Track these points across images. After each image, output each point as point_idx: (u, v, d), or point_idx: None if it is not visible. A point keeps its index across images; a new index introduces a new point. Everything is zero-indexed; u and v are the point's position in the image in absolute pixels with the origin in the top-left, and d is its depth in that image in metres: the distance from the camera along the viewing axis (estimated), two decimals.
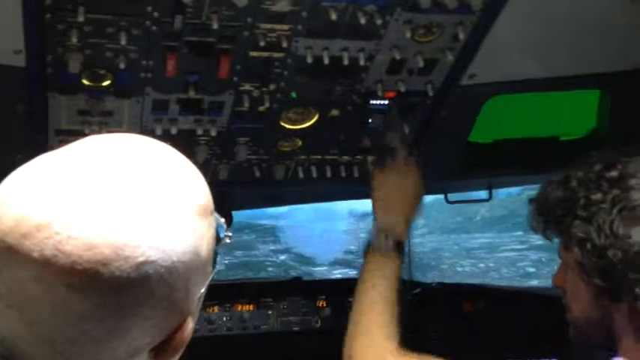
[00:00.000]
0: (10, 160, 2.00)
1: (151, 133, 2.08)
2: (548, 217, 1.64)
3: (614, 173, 1.53)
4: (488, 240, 12.30)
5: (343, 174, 2.37)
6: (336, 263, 11.10)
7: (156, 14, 1.74)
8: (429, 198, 2.38)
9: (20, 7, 1.65)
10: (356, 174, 2.37)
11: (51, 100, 1.95)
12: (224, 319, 2.64)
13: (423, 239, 11.04)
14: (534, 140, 2.53)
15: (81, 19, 1.69)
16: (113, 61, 1.84)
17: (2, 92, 1.89)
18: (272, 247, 12.11)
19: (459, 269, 11.00)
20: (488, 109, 2.26)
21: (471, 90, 2.14)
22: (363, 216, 9.39)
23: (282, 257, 11.83)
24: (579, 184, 1.56)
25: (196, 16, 1.76)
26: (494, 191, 2.70)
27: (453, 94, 2.16)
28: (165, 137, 2.10)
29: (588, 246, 1.51)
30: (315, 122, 2.20)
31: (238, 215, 3.04)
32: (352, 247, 10.93)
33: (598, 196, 1.52)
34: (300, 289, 2.76)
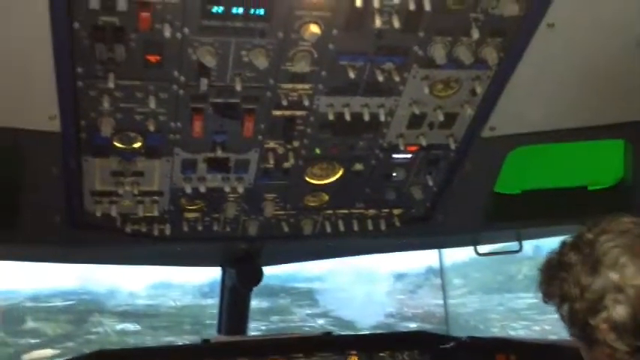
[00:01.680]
0: (49, 222, 2.17)
1: (180, 191, 2.22)
2: (541, 279, 1.75)
3: (589, 235, 1.63)
4: (536, 300, 11.98)
5: (370, 227, 2.46)
6: (378, 327, 10.98)
7: (182, 78, 1.87)
8: (466, 258, 2.43)
9: (54, 76, 1.78)
10: (383, 227, 2.45)
11: (85, 162, 2.08)
12: None
13: (464, 299, 10.88)
14: (562, 190, 2.59)
15: (111, 85, 1.82)
16: (143, 123, 1.97)
17: (39, 156, 2.01)
18: (309, 311, 12.04)
19: (512, 332, 10.76)
20: (513, 159, 2.33)
21: (492, 142, 2.21)
22: (399, 276, 9.32)
23: (320, 321, 11.72)
24: (570, 248, 1.67)
25: (221, 79, 1.89)
26: (538, 248, 2.73)
27: (475, 147, 2.24)
28: (195, 195, 2.23)
29: (565, 303, 1.64)
30: (340, 177, 2.29)
31: (272, 279, 3.12)
32: (392, 310, 10.82)
33: (574, 257, 1.63)
34: (331, 343, 2.81)
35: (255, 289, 3.07)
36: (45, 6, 1.63)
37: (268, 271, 2.94)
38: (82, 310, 10.08)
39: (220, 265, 2.99)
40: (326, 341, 2.85)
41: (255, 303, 3.28)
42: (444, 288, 7.04)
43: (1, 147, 2.04)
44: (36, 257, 2.60)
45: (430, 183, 2.34)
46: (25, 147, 2.00)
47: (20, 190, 2.16)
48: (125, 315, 9.94)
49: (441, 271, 7.07)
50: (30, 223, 2.20)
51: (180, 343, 3.46)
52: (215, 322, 2.99)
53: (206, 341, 2.72)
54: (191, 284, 10.20)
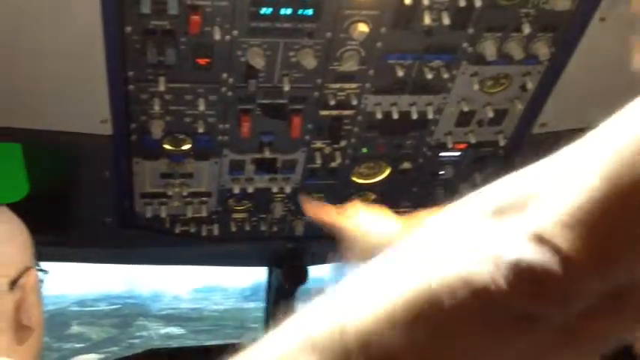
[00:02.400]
0: (100, 224, 2.23)
1: (228, 192, 2.26)
2: None
3: None
4: None
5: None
6: None
7: (231, 80, 1.91)
8: None
9: (106, 80, 1.83)
10: None
11: (135, 165, 2.14)
12: None
13: None
14: None
15: (162, 88, 1.88)
16: (192, 125, 2.02)
17: (91, 160, 2.08)
18: None
19: None
20: None
21: (542, 139, 2.20)
22: None
23: None
24: None
25: (268, 80, 1.93)
26: None
27: (525, 143, 2.24)
28: (243, 195, 2.28)
29: None
30: (387, 176, 2.31)
31: (315, 282, 3.14)
32: None
33: None
34: None
35: (301, 292, 3.11)
36: (97, 11, 1.68)
37: (313, 273, 2.97)
38: (127, 313, 10.27)
39: (267, 265, 3.03)
40: None
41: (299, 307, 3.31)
42: None
43: (53, 150, 2.11)
44: (86, 259, 2.67)
45: (479, 181, 2.34)
46: (76, 150, 2.06)
47: (72, 193, 2.23)
48: (169, 318, 10.09)
49: None
50: (81, 225, 2.27)
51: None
52: (257, 325, 3.02)
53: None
54: (233, 288, 10.31)
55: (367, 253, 1.92)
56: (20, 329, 1.34)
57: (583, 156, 0.63)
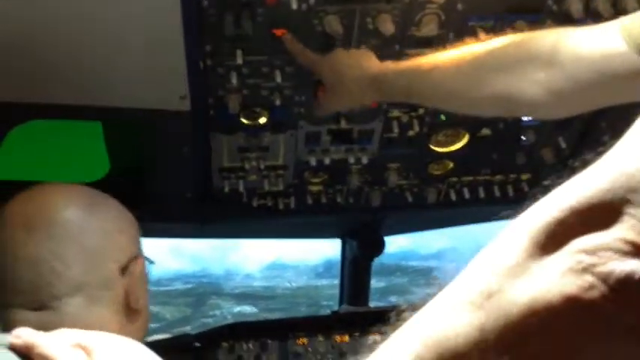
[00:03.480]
0: (180, 199, 2.29)
1: (305, 165, 2.29)
2: None
3: None
4: None
5: (497, 194, 2.45)
6: None
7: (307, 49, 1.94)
8: None
9: (184, 56, 1.87)
10: (510, 193, 2.44)
11: (213, 140, 2.19)
12: None
13: None
14: None
15: (240, 61, 1.91)
16: (269, 98, 2.05)
17: (169, 136, 2.13)
18: (429, 291, 11.89)
19: None
20: None
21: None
22: None
23: None
24: None
25: (345, 49, 1.94)
26: None
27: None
28: (320, 167, 2.30)
29: None
30: (466, 143, 2.29)
31: (386, 257, 3.15)
32: None
33: None
34: None
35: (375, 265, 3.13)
36: None
37: (381, 254, 2.98)
38: (201, 292, 10.49)
39: (341, 237, 3.06)
40: None
41: (371, 282, 3.34)
42: None
43: (132, 127, 2.17)
44: (167, 233, 2.75)
45: (563, 145, 2.30)
46: (155, 126, 2.11)
47: (150, 169, 2.30)
48: (242, 297, 10.28)
49: None
50: (160, 200, 2.33)
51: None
52: (331, 303, 3.05)
53: (335, 312, 2.80)
54: (305, 264, 10.41)
55: (345, 93, 1.94)
56: (130, 312, 1.46)
57: None
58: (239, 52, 1.90)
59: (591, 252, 0.61)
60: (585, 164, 0.65)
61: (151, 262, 1.59)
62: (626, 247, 0.59)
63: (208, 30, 1.85)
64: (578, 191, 0.64)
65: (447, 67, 1.68)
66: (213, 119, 2.11)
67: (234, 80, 1.96)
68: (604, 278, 0.59)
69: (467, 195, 2.45)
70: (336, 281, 3.33)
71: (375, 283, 3.30)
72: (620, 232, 0.60)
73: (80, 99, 1.97)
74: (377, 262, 3.14)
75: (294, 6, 1.78)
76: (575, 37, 1.49)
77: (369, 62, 1.86)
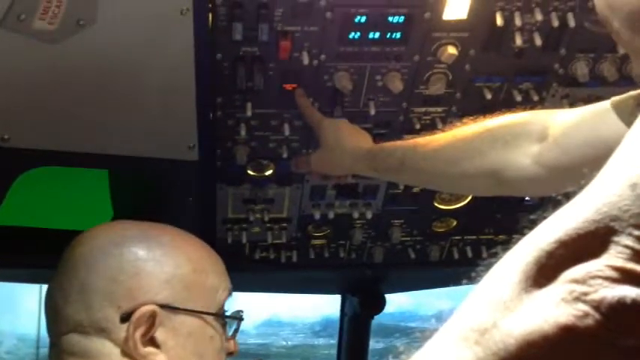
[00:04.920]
0: None
1: (309, 218, 2.33)
2: None
3: None
4: None
5: (500, 254, 2.47)
6: None
7: (316, 105, 1.98)
8: None
9: (194, 107, 1.92)
10: None
11: (219, 191, 2.22)
12: None
13: None
14: None
15: (249, 114, 1.96)
16: (276, 151, 2.09)
17: (175, 186, 2.16)
18: None
19: None
20: None
21: None
22: None
23: None
24: None
25: (354, 105, 1.99)
26: None
27: None
28: (323, 222, 2.34)
29: None
30: (470, 202, 2.33)
31: (385, 317, 3.15)
32: None
33: None
34: None
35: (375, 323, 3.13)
36: (189, 38, 1.77)
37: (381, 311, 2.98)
38: None
39: (341, 293, 3.08)
40: None
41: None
42: None
43: (138, 176, 2.21)
44: None
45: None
46: (161, 176, 2.14)
47: (154, 218, 2.32)
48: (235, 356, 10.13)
49: None
50: None
51: None
52: None
53: None
54: (302, 322, 10.29)
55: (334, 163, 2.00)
56: None
57: None
58: (249, 105, 1.95)
59: (582, 281, 0.64)
60: (568, 197, 0.69)
61: (239, 319, 1.53)
62: (615, 274, 0.62)
63: (220, 82, 1.91)
64: (564, 224, 0.67)
65: (443, 140, 1.75)
66: (220, 170, 2.16)
67: (242, 132, 2.01)
68: (596, 305, 0.62)
69: (470, 254, 2.48)
70: (334, 340, 3.32)
71: (373, 344, 3.30)
72: (607, 260, 0.63)
73: (88, 147, 2.00)
74: (376, 322, 3.15)
75: (306, 61, 1.84)
76: (568, 114, 1.55)
77: (367, 139, 1.98)
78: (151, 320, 1.38)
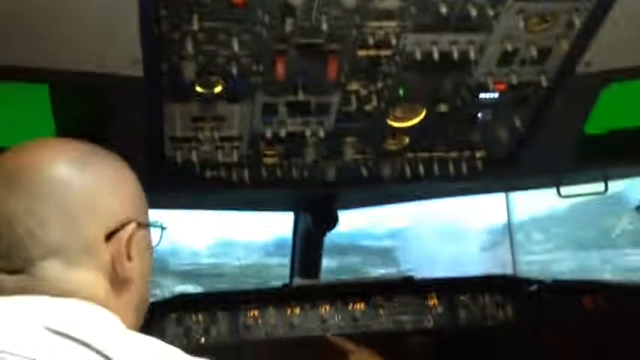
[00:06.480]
0: (130, 168, 2.29)
1: (260, 137, 2.32)
2: None
3: None
4: None
5: (452, 171, 2.52)
6: None
7: (267, 19, 1.94)
8: (545, 211, 2.48)
9: (137, 19, 1.86)
10: (465, 170, 2.51)
11: (166, 108, 2.19)
12: (336, 318, 2.84)
13: (552, 255, 10.49)
14: None
15: (195, 27, 1.90)
16: (225, 67, 2.05)
17: (122, 102, 2.11)
18: (383, 271, 11.91)
19: None
20: (603, 98, 2.33)
21: (586, 78, 2.22)
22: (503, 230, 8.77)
23: None
24: None
25: (305, 19, 1.95)
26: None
27: (567, 84, 2.25)
28: (275, 139, 2.34)
29: None
30: (423, 119, 2.35)
31: (339, 236, 3.20)
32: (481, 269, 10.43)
33: None
34: (412, 287, 2.92)
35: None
36: None
37: (334, 228, 3.03)
38: None
39: (294, 211, 3.10)
40: (406, 285, 2.95)
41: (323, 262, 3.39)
42: (511, 241, 6.86)
43: (82, 92, 2.16)
44: None
45: (517, 123, 2.38)
46: (106, 92, 2.09)
47: (100, 136, 2.29)
48: (186, 275, 10.21)
49: (508, 224, 6.92)
50: None
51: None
52: (281, 282, 3.10)
53: (286, 285, 2.84)
54: (256, 242, 10.39)
55: None
56: (117, 281, 1.38)
57: None
58: (195, 18, 1.90)
59: None
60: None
61: (163, 228, 1.52)
62: None
63: None
64: None
65: None
66: (167, 87, 2.11)
67: (189, 47, 1.97)
68: None
69: (422, 171, 2.51)
70: (287, 260, 3.37)
71: (327, 262, 3.36)
72: None
73: (27, 60, 1.94)
74: (330, 241, 3.19)
75: None
76: None
77: None
78: (130, 237, 1.40)
